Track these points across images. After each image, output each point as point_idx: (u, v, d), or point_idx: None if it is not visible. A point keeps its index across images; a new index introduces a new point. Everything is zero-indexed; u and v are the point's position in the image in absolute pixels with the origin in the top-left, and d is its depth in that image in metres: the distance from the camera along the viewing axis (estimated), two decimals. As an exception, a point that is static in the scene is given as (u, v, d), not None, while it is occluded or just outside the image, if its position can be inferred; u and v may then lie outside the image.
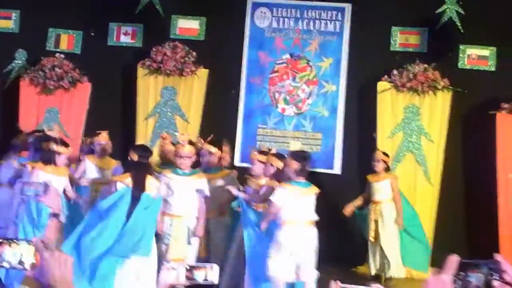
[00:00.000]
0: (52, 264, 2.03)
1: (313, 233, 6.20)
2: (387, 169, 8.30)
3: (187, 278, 2.38)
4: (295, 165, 6.17)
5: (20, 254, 2.06)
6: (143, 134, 9.44)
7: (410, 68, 9.11)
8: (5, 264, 2.06)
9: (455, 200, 9.19)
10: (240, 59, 9.82)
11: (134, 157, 6.29)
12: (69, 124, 9.44)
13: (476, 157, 9.13)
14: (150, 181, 6.21)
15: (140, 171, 6.20)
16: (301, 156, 6.33)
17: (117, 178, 6.42)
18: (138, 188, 6.10)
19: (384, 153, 8.38)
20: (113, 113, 9.64)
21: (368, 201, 8.30)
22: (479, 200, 9.03)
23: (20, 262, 2.06)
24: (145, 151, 6.49)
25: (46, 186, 4.61)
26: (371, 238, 8.15)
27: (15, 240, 2.07)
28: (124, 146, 9.25)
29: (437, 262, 8.28)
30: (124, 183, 6.14)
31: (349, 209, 8.20)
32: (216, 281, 2.40)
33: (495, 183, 8.82)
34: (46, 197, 5.17)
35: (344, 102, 9.61)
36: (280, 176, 6.45)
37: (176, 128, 9.41)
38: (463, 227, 9.18)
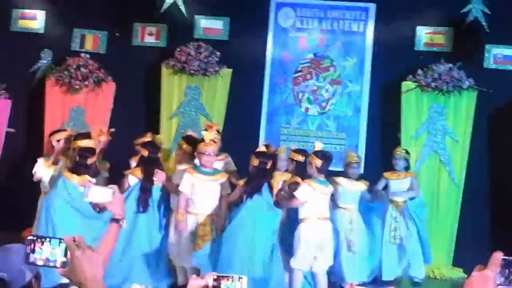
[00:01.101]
0: (83, 262, 2.05)
1: (330, 228, 6.69)
2: (408, 167, 8.07)
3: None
4: (318, 163, 6.28)
5: (51, 252, 2.09)
6: (167, 133, 9.48)
7: (435, 68, 9.06)
8: (37, 262, 2.09)
9: (480, 200, 9.14)
10: (263, 59, 9.84)
11: (145, 152, 7.00)
12: (94, 123, 9.46)
13: (501, 158, 9.07)
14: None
15: (150, 165, 6.92)
16: (323, 155, 6.65)
17: (128, 172, 7.00)
18: (148, 180, 6.86)
19: (405, 150, 8.17)
20: (137, 112, 9.70)
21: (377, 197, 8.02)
22: (504, 201, 8.96)
23: (51, 260, 2.10)
24: (155, 147, 7.14)
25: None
26: (391, 238, 7.76)
27: (47, 238, 2.11)
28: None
29: (461, 261, 8.27)
30: (135, 175, 6.88)
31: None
32: None
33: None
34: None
35: (368, 102, 9.59)
36: (300, 171, 6.64)
37: (200, 127, 9.41)
38: (487, 227, 9.11)
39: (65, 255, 2.09)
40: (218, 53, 9.54)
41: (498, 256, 1.63)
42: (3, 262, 2.34)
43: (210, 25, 9.98)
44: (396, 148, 8.21)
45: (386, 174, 8.08)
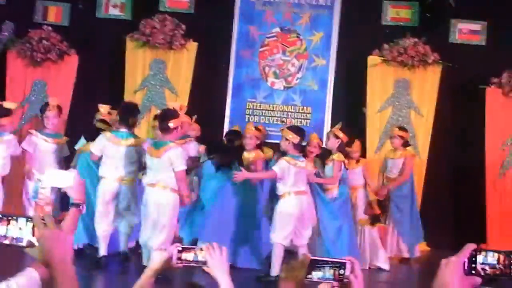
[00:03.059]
0: (50, 242, 1.99)
1: (309, 202, 6.85)
2: (406, 144, 8.07)
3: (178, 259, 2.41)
4: (295, 139, 6.63)
5: (19, 231, 2.04)
6: (132, 107, 9.37)
7: (400, 42, 9.07)
8: (3, 241, 2.04)
9: (443, 174, 9.22)
10: (229, 32, 9.74)
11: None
12: (56, 96, 9.28)
13: (465, 132, 9.15)
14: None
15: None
16: (299, 130, 6.85)
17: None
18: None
19: (401, 128, 8.20)
20: (101, 86, 9.56)
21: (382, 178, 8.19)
22: (467, 175, 9.06)
23: (18, 239, 2.04)
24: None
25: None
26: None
27: (14, 217, 2.05)
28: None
29: (425, 236, 8.34)
30: None
31: (384, 192, 7.89)
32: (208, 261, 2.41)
33: (484, 158, 8.85)
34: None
35: (334, 76, 9.57)
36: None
37: (165, 101, 9.34)
38: (451, 200, 9.21)
39: (33, 234, 2.04)
40: (183, 26, 9.42)
41: (470, 246, 1.66)
42: None
43: (176, -2, 9.84)
44: (393, 127, 8.36)
45: (386, 153, 8.33)
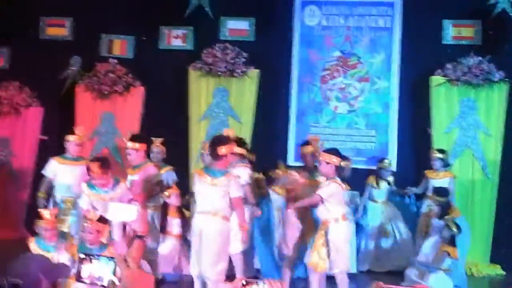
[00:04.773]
0: (132, 282, 2.05)
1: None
2: (446, 165, 8.26)
3: None
4: (337, 162, 6.35)
5: (101, 270, 2.11)
6: (196, 136, 9.52)
7: (464, 61, 8.96)
8: (85, 280, 2.11)
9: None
10: (290, 58, 9.81)
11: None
12: (124, 128, 9.55)
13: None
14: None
15: None
16: (340, 154, 6.46)
17: None
18: None
19: (440, 150, 8.32)
20: (167, 116, 9.72)
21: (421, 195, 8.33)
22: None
23: (99, 278, 2.11)
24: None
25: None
26: (422, 233, 8.02)
27: (96, 257, 2.12)
28: (177, 149, 9.41)
29: (499, 258, 8.16)
30: None
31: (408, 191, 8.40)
32: None
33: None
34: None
35: (397, 98, 9.51)
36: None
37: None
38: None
39: (114, 273, 2.10)
40: (244, 54, 9.55)
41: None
42: (22, 269, 2.37)
43: (236, 26, 9.98)
44: (431, 149, 8.37)
45: (427, 173, 8.34)
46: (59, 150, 9.60)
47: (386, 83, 9.59)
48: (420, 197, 8.45)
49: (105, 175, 6.19)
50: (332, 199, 6.23)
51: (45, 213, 6.13)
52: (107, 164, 6.24)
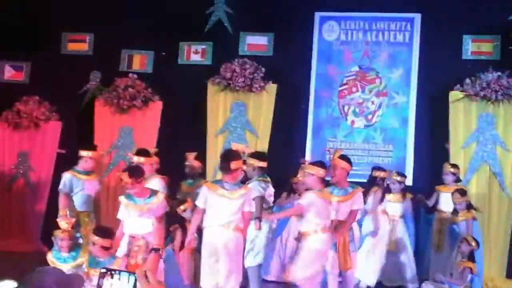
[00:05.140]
0: None
1: None
2: (457, 180, 8.20)
3: None
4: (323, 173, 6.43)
5: (121, 286, 2.11)
6: (214, 150, 9.54)
7: (483, 77, 8.90)
8: None
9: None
10: (308, 73, 9.83)
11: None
12: (142, 142, 9.61)
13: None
14: None
15: None
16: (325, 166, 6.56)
17: None
18: None
19: (453, 165, 8.28)
20: (185, 130, 9.77)
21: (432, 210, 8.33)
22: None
23: None
24: None
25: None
26: (435, 247, 8.07)
27: (117, 272, 2.13)
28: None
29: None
30: None
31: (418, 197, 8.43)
32: None
33: None
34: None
35: (415, 113, 9.46)
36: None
37: (246, 143, 9.45)
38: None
39: None
40: (263, 69, 9.59)
41: None
42: (36, 283, 2.39)
43: (255, 41, 10.03)
44: (444, 164, 8.28)
45: (438, 187, 8.25)
46: (76, 164, 9.77)
47: (404, 98, 9.55)
48: (430, 211, 8.37)
49: (137, 184, 6.16)
50: (312, 210, 6.22)
51: (62, 223, 6.20)
52: (137, 173, 6.21)
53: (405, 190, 8.29)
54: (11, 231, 9.53)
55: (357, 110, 9.68)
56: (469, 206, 7.72)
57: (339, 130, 9.70)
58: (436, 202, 8.27)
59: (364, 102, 9.68)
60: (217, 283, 6.00)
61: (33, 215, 9.52)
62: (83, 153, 7.61)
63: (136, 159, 7.31)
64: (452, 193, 7.81)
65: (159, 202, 6.16)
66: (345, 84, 9.76)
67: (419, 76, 9.52)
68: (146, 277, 2.09)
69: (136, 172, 6.18)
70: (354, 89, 9.73)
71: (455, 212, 7.74)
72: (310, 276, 6.21)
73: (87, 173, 7.59)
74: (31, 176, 9.84)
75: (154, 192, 6.22)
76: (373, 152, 9.50)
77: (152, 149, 7.93)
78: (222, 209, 6.04)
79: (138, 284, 2.15)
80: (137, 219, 6.02)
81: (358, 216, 7.08)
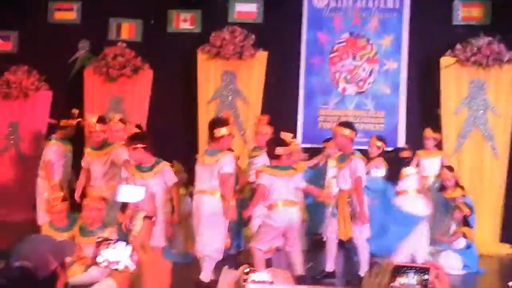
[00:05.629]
0: (149, 268, 2.07)
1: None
2: (438, 147, 8.42)
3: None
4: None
5: (117, 255, 2.13)
6: (205, 118, 9.48)
7: (474, 42, 8.89)
8: (102, 264, 2.13)
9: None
10: (299, 40, 9.77)
11: None
12: (133, 111, 9.60)
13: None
14: None
15: None
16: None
17: None
18: None
19: (434, 130, 8.41)
20: (175, 99, 9.74)
21: None
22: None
23: (116, 263, 2.13)
24: None
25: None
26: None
27: (114, 241, 2.14)
28: (186, 131, 9.42)
29: (506, 236, 8.13)
30: None
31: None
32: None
33: None
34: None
35: (406, 79, 9.47)
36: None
37: (237, 111, 9.45)
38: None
39: (131, 258, 2.11)
40: (253, 36, 9.52)
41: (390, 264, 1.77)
42: (29, 251, 2.38)
43: (244, 9, 9.94)
44: (425, 129, 8.45)
45: (418, 152, 8.36)
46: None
47: (395, 64, 9.54)
48: None
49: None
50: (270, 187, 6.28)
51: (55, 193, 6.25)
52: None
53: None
54: (4, 201, 9.50)
55: (348, 77, 9.66)
56: (457, 184, 7.74)
57: (330, 97, 9.67)
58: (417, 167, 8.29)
59: (355, 69, 9.65)
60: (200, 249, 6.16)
61: (25, 185, 9.48)
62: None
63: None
64: (441, 170, 7.91)
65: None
66: (335, 51, 9.72)
67: (410, 42, 9.50)
68: (143, 247, 2.10)
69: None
70: (345, 56, 9.69)
71: (443, 188, 7.78)
72: None
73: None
74: (21, 146, 9.79)
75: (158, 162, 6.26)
76: (365, 119, 9.50)
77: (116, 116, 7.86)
78: (202, 175, 6.19)
79: (135, 254, 2.15)
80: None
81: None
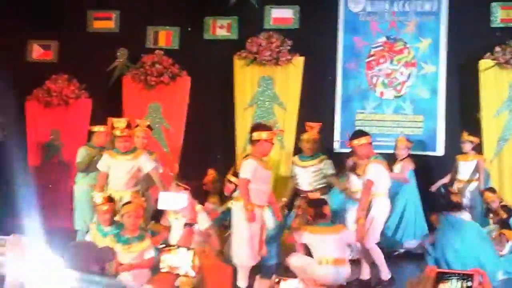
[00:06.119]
0: (210, 274, 2.09)
1: None
2: (476, 150, 8.41)
3: None
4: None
5: (179, 260, 2.16)
6: (242, 124, 9.55)
7: (513, 44, 8.80)
8: (163, 269, 2.16)
9: None
10: (335, 45, 9.75)
11: None
12: (171, 118, 9.69)
13: None
14: None
15: None
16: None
17: None
18: None
19: (470, 134, 8.42)
20: (213, 105, 9.79)
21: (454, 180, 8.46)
22: None
23: (178, 268, 2.16)
24: None
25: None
26: None
27: (175, 246, 2.17)
28: (224, 137, 9.47)
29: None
30: None
31: (434, 187, 8.45)
32: None
33: None
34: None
35: (445, 83, 9.37)
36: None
37: (275, 117, 9.46)
38: None
39: (192, 264, 2.14)
40: (289, 42, 9.54)
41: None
42: (75, 256, 2.43)
43: (280, 15, 9.96)
44: (462, 132, 8.49)
45: (457, 157, 8.48)
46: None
47: (434, 67, 9.46)
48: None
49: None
50: None
51: (99, 195, 6.36)
52: None
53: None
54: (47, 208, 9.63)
55: (386, 81, 9.61)
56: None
57: (368, 102, 9.63)
58: (455, 172, 8.45)
59: (392, 73, 9.59)
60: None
61: (66, 192, 9.61)
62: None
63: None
64: (482, 192, 7.90)
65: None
66: (372, 55, 9.68)
67: (448, 45, 9.41)
68: (204, 252, 2.13)
69: None
70: (382, 60, 9.64)
71: (488, 211, 7.74)
72: None
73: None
74: (63, 153, 9.94)
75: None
76: (403, 123, 9.44)
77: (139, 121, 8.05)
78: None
79: (196, 259, 2.18)
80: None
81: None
